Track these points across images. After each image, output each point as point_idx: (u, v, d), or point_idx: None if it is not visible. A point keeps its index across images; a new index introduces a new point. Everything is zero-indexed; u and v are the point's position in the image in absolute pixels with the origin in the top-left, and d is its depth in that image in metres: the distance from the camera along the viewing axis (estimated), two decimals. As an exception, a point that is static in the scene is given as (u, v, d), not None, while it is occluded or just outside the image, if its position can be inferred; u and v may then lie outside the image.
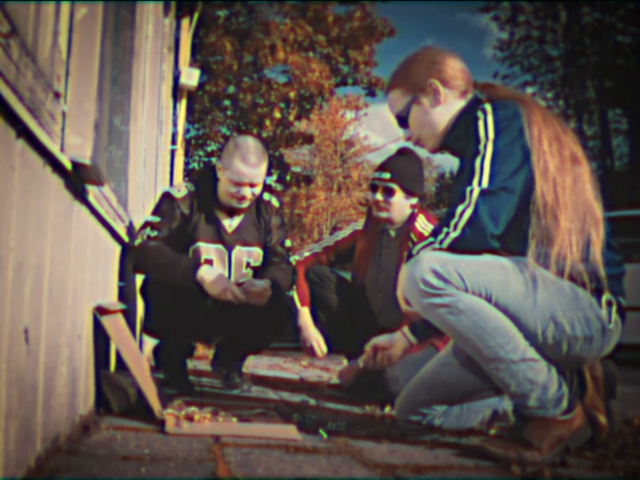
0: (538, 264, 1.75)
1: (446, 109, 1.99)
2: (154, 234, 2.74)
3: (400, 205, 2.95)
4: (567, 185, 1.77)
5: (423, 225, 2.97)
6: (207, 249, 2.84)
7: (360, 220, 3.20)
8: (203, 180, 2.91)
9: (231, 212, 2.90)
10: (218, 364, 3.12)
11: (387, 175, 2.92)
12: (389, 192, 2.93)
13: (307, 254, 3.16)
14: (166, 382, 2.84)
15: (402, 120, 2.05)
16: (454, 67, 1.99)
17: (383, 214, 2.96)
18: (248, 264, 2.90)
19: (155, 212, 2.82)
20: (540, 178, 1.75)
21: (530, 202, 1.76)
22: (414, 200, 2.97)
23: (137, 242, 2.74)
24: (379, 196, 2.95)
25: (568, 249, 1.73)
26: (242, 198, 2.79)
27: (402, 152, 3.02)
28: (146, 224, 2.78)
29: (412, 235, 2.95)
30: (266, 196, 2.99)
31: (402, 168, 2.95)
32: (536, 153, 1.77)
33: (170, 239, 2.77)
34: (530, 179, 1.76)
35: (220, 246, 2.86)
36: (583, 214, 1.77)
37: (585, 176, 1.83)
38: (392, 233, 3.02)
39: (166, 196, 2.84)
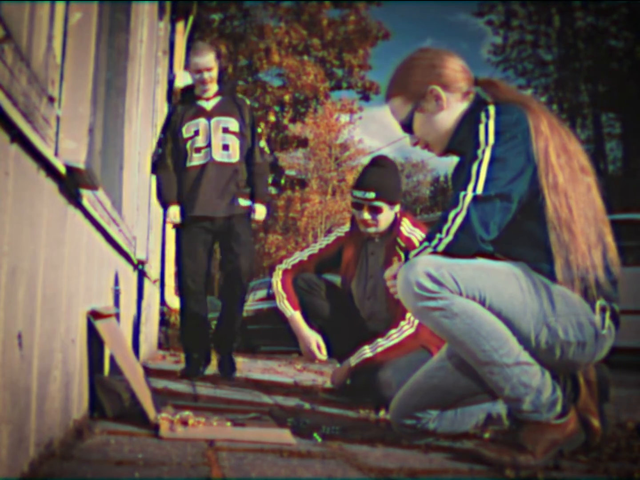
0: (564, 278, 1.75)
1: (450, 113, 1.94)
2: (160, 150, 3.80)
3: (387, 218, 2.91)
4: (580, 196, 1.76)
5: (409, 229, 2.92)
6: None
7: (344, 226, 3.15)
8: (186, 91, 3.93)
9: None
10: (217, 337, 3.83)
11: (371, 195, 2.85)
12: (376, 210, 2.88)
13: (293, 262, 3.12)
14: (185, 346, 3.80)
15: (407, 127, 2.00)
16: (454, 68, 1.94)
17: (371, 229, 2.92)
18: (225, 129, 3.75)
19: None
20: (551, 193, 1.73)
21: (546, 219, 1.74)
22: (397, 208, 2.95)
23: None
24: (366, 215, 2.89)
25: (589, 260, 1.73)
26: (203, 82, 3.73)
27: (379, 163, 2.95)
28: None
29: (399, 240, 2.92)
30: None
31: (384, 183, 2.88)
32: (544, 167, 1.74)
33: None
34: (535, 187, 1.75)
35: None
36: (596, 223, 1.77)
37: (593, 184, 1.82)
38: (377, 239, 3.00)
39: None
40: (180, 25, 7.84)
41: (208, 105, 3.79)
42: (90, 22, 1.88)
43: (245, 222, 3.75)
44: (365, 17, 23.53)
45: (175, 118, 3.78)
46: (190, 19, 7.98)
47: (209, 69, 3.71)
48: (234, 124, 3.75)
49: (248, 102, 3.89)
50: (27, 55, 1.32)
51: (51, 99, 1.55)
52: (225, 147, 3.72)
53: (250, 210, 3.75)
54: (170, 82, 7.54)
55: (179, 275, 3.80)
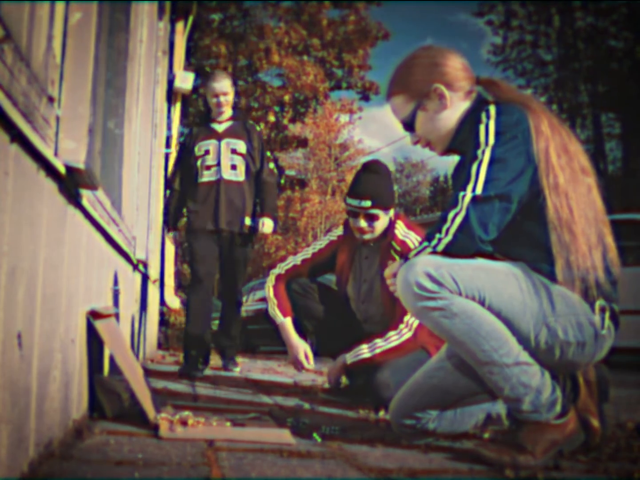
0: (564, 278, 1.75)
1: (453, 112, 1.93)
2: (172, 169, 4.36)
3: (383, 223, 2.90)
4: (580, 197, 1.76)
5: (403, 233, 2.89)
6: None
7: (336, 230, 3.13)
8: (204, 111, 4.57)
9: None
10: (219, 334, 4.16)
11: (367, 203, 2.83)
12: (373, 218, 2.86)
13: (287, 267, 3.11)
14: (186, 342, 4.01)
15: (408, 125, 1.99)
16: (456, 67, 1.93)
17: (367, 236, 2.90)
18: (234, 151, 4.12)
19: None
20: (552, 193, 1.73)
21: (547, 220, 1.74)
22: (392, 212, 2.93)
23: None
24: (363, 223, 2.87)
25: (589, 261, 1.73)
26: (219, 105, 4.14)
27: (371, 169, 2.92)
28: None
29: (394, 244, 2.90)
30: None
31: (379, 190, 2.85)
32: (545, 168, 1.74)
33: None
34: (535, 188, 1.75)
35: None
36: (596, 223, 1.77)
37: (594, 185, 1.82)
38: (372, 243, 2.99)
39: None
40: (179, 25, 7.83)
41: (220, 127, 4.19)
42: (90, 22, 1.88)
43: (246, 239, 4.17)
44: (365, 17, 23.50)
45: (190, 139, 4.22)
46: (190, 19, 7.96)
47: (225, 94, 4.15)
48: (241, 146, 4.14)
49: (258, 128, 4.32)
50: (27, 55, 1.32)
51: (51, 99, 1.55)
52: (234, 167, 4.12)
53: (252, 228, 4.16)
54: (170, 82, 7.54)
55: (192, 274, 4.16)
